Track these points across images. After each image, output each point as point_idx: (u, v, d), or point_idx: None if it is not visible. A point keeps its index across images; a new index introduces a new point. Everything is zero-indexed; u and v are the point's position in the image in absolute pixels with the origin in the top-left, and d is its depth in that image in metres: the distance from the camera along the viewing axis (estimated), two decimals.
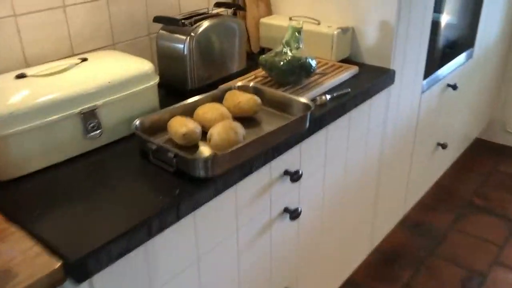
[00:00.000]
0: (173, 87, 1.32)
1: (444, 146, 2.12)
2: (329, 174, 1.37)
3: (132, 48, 1.38)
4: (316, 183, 1.33)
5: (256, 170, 1.04)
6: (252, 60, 1.51)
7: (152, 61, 1.18)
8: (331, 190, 1.42)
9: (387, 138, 1.64)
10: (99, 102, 1.02)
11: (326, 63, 1.47)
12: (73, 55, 1.25)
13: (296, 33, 1.27)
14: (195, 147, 1.05)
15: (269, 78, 1.34)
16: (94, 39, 1.28)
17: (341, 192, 1.48)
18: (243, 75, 1.39)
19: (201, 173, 0.91)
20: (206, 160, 0.90)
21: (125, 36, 1.36)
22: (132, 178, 0.95)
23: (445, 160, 2.35)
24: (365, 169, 1.58)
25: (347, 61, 1.51)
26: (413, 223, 2.19)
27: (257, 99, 1.15)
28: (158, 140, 1.05)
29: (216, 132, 0.98)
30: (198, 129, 1.03)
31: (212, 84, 1.31)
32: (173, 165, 0.93)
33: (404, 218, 2.13)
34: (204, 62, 1.29)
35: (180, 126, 1.02)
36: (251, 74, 1.39)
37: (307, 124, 1.12)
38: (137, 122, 1.03)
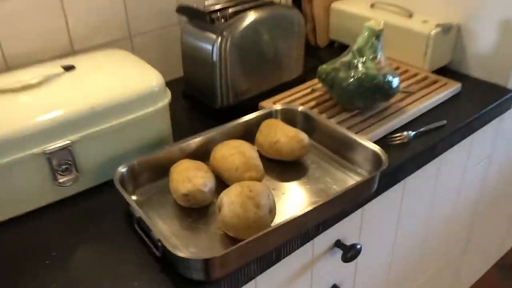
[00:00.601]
0: (199, 100, 0.99)
1: None
2: (400, 239, 0.99)
3: (156, 41, 1.06)
4: (380, 255, 0.96)
5: (289, 255, 0.70)
6: (315, 58, 1.14)
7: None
8: (402, 260, 1.04)
9: (490, 176, 1.21)
10: (74, 137, 0.72)
11: (415, 74, 1.06)
12: (73, 52, 0.95)
13: (374, 38, 0.88)
14: (206, 207, 0.73)
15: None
16: (102, 30, 0.98)
17: (417, 256, 1.09)
18: (297, 85, 1.03)
19: (193, 275, 0.59)
20: (202, 261, 0.58)
21: (146, 26, 1.04)
22: (102, 254, 0.65)
23: None
24: (454, 220, 1.17)
25: (445, 71, 1.08)
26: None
27: (304, 139, 0.79)
28: (155, 191, 0.74)
29: (228, 202, 0.64)
30: (207, 186, 0.70)
31: (252, 99, 0.97)
32: (159, 249, 0.62)
33: (500, 258, 1.69)
34: (242, 71, 0.94)
35: (182, 181, 0.70)
36: (308, 86, 1.02)
37: (375, 186, 0.75)
38: (122, 169, 0.72)
